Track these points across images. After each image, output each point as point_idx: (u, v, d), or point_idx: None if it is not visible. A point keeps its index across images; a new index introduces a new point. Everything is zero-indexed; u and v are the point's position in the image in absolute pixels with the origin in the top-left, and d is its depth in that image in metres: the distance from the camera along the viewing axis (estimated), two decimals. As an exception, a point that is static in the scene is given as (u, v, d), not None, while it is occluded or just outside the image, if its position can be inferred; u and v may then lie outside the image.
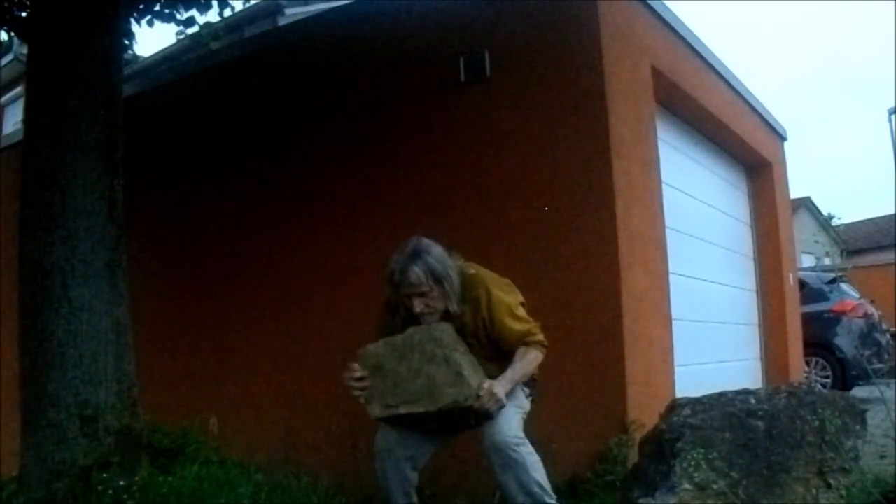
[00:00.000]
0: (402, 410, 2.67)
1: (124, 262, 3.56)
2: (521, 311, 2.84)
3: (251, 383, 4.73)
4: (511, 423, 2.68)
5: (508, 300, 2.81)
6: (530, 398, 2.89)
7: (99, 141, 3.51)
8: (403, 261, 2.73)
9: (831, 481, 2.62)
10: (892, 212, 19.62)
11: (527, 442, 2.68)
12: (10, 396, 3.91)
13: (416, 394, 2.66)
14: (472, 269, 2.86)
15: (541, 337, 2.82)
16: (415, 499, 2.84)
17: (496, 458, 2.64)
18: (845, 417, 2.74)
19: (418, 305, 2.74)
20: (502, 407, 2.64)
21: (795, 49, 73.23)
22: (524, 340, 2.79)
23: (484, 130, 4.12)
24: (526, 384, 2.88)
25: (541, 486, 2.64)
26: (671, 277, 4.38)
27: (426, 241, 2.80)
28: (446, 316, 2.78)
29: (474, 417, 2.65)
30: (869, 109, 57.19)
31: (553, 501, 2.68)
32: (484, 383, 2.62)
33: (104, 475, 3.18)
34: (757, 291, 6.65)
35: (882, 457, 3.14)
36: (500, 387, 2.64)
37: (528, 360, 2.78)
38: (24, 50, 5.83)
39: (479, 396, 2.59)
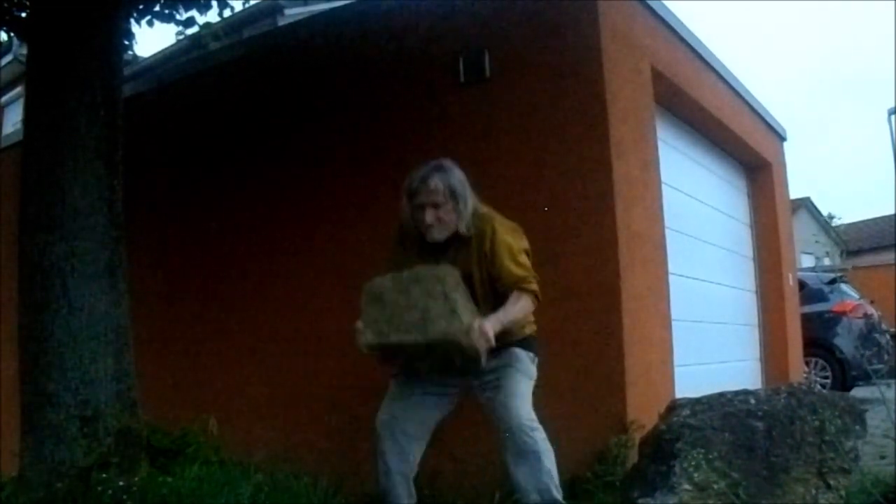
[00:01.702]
0: (393, 339, 2.70)
1: (124, 262, 3.56)
2: (523, 258, 2.84)
3: (251, 383, 4.72)
4: (525, 406, 2.70)
5: (511, 242, 2.82)
6: (535, 362, 2.88)
7: (99, 141, 3.52)
8: (426, 170, 2.82)
9: (831, 482, 2.62)
10: (892, 212, 19.63)
11: (541, 427, 2.70)
12: (10, 396, 3.92)
13: (409, 324, 2.68)
14: (485, 208, 2.89)
15: (535, 287, 2.81)
16: (412, 489, 2.83)
17: (510, 442, 2.66)
18: (845, 418, 2.74)
19: (429, 216, 2.77)
20: (490, 347, 2.64)
21: (795, 49, 73.26)
22: (519, 286, 2.79)
23: (484, 130, 4.12)
24: (528, 347, 2.87)
25: (551, 477, 2.65)
26: (671, 277, 4.38)
27: (450, 161, 2.87)
28: (454, 238, 2.80)
29: (461, 356, 2.65)
30: (869, 109, 57.22)
31: (559, 494, 2.69)
32: (475, 322, 2.64)
33: (104, 475, 3.18)
34: (756, 292, 6.65)
35: (882, 457, 3.14)
36: (489, 326, 2.66)
37: (519, 307, 2.77)
38: (24, 50, 5.82)
39: (468, 334, 2.61)
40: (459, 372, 2.76)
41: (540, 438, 2.67)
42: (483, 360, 2.66)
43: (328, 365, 4.39)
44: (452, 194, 2.78)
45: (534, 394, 2.94)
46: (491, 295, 2.81)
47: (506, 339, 2.80)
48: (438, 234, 2.80)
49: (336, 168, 4.60)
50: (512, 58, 4.07)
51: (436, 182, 2.77)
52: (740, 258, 6.45)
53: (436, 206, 2.77)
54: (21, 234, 3.52)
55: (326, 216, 4.59)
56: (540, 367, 2.91)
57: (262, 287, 4.80)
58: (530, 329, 2.93)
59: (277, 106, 4.89)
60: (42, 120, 3.56)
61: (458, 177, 2.83)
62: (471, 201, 2.82)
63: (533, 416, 2.71)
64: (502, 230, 2.82)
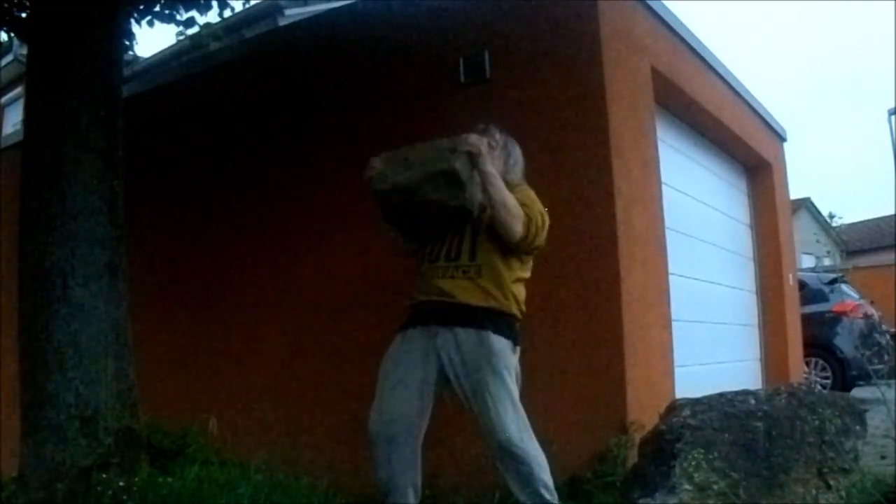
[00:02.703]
0: (398, 152, 2.92)
1: (124, 262, 3.56)
2: (537, 210, 2.83)
3: (251, 383, 4.73)
4: (509, 413, 2.63)
5: (537, 202, 2.87)
6: (516, 351, 2.80)
7: (99, 141, 3.52)
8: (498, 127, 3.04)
9: (831, 482, 2.62)
10: (892, 212, 19.64)
11: (530, 432, 2.65)
12: (10, 397, 3.92)
13: (415, 146, 2.91)
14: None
15: (532, 216, 2.78)
16: (418, 480, 2.79)
17: (499, 454, 2.64)
18: (845, 418, 2.75)
19: None
20: (476, 153, 2.73)
21: (795, 49, 73.35)
22: (521, 208, 2.78)
23: (484, 131, 4.11)
24: (508, 332, 2.76)
25: (544, 485, 2.63)
26: (671, 277, 4.38)
27: None
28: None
29: (446, 159, 2.74)
30: (869, 109, 57.26)
31: (554, 498, 2.67)
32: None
33: (104, 476, 3.18)
34: (756, 292, 6.65)
35: (882, 457, 3.13)
36: (484, 147, 2.77)
37: (509, 194, 2.75)
38: (24, 50, 5.83)
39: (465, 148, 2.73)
40: (440, 196, 2.78)
41: (531, 447, 2.63)
42: (462, 166, 2.72)
43: (329, 365, 4.39)
44: (506, 150, 2.97)
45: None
46: (491, 244, 2.77)
47: (488, 304, 2.73)
48: None
49: (336, 168, 4.60)
50: (512, 58, 4.07)
51: (496, 132, 2.99)
52: (740, 258, 6.45)
53: (488, 146, 2.90)
54: (21, 234, 3.52)
55: (327, 216, 4.59)
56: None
57: (263, 287, 4.80)
58: (515, 308, 2.81)
59: (277, 106, 4.89)
60: (42, 120, 3.56)
61: (518, 150, 3.02)
62: (521, 168, 3.00)
63: (521, 422, 2.65)
64: (535, 196, 2.91)
